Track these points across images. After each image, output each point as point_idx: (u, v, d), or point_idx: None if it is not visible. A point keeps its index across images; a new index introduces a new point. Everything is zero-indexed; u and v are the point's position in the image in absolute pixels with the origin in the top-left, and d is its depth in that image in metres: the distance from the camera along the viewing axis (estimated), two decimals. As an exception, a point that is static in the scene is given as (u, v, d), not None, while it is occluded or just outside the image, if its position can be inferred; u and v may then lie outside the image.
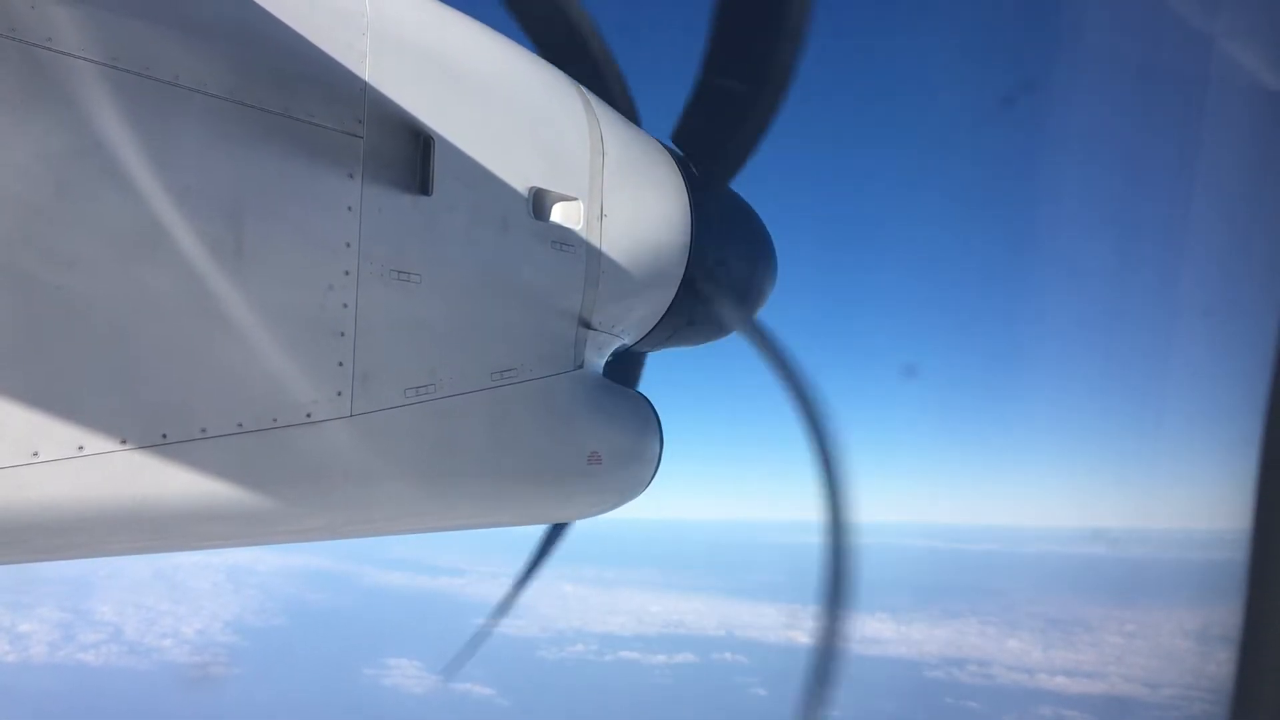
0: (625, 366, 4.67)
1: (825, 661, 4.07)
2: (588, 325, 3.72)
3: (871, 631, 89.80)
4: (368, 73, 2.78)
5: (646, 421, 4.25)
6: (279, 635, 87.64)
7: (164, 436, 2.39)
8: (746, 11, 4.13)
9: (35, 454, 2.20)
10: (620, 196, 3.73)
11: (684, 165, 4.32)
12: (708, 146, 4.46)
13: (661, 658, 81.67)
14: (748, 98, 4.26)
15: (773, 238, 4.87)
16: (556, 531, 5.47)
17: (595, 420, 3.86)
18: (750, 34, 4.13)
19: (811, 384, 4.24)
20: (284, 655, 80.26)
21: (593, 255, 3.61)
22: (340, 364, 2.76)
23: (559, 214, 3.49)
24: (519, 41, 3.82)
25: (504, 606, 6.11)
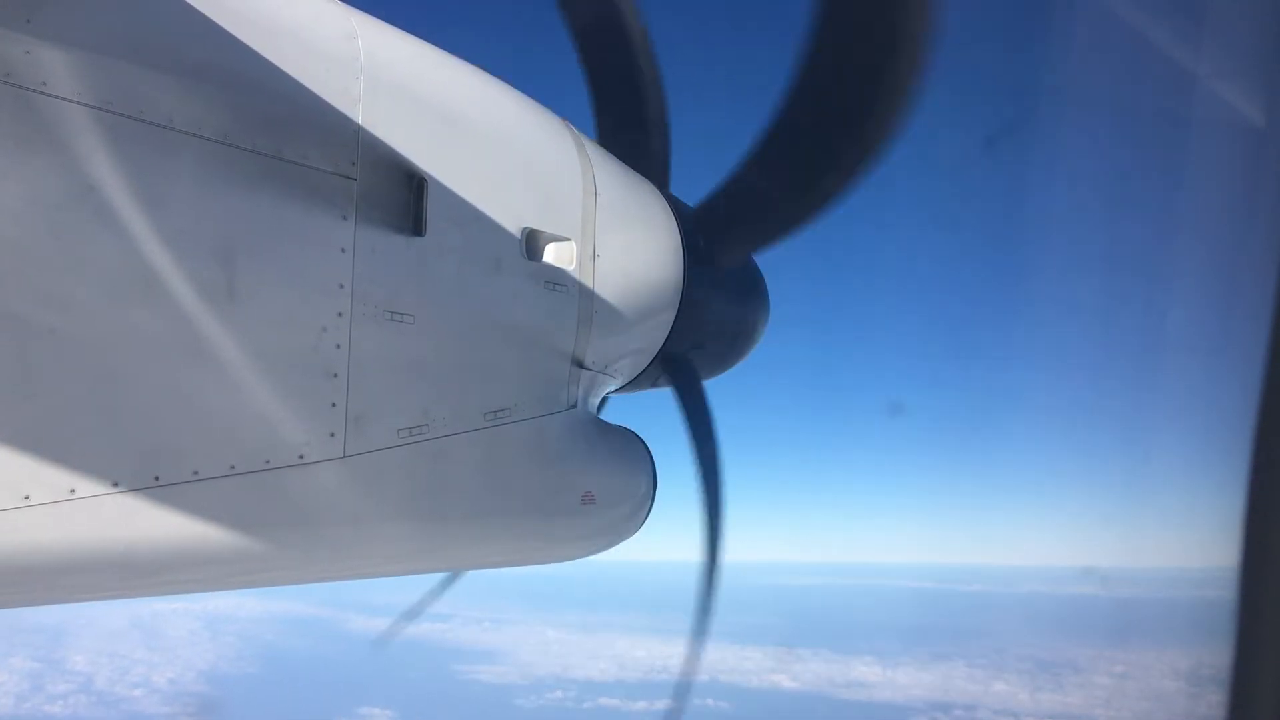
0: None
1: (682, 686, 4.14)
2: (581, 365, 3.72)
3: (858, 675, 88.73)
4: (361, 116, 2.82)
5: (640, 461, 4.24)
6: (251, 684, 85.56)
7: (156, 479, 2.37)
8: (813, 127, 3.75)
9: (27, 497, 2.17)
10: (613, 236, 3.76)
11: (675, 205, 4.36)
12: (725, 231, 4.37)
13: (642, 704, 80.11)
14: (783, 204, 4.05)
15: (764, 275, 4.91)
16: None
17: (589, 460, 3.85)
18: (811, 152, 3.81)
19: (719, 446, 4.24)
20: (254, 705, 78.30)
21: (585, 295, 3.63)
22: (333, 405, 2.75)
23: (552, 254, 3.52)
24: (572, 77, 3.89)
25: (423, 605, 6.08)
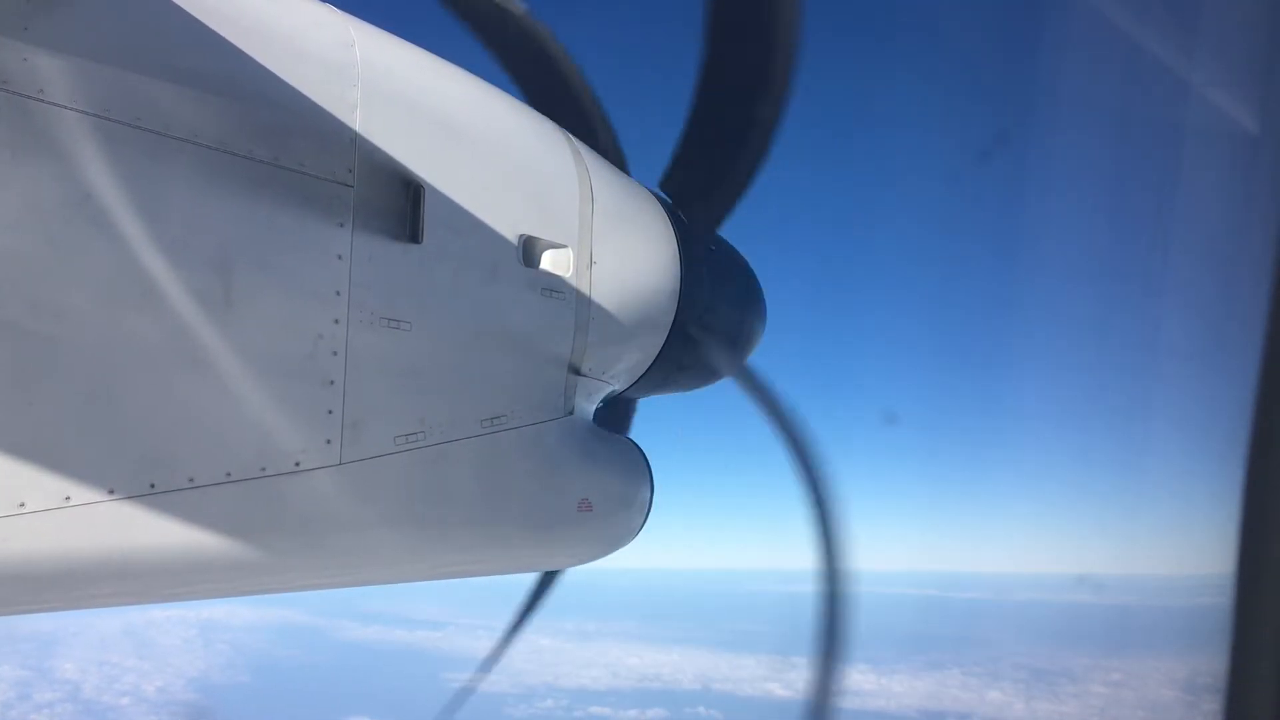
0: (616, 413, 4.67)
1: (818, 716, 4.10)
2: (577, 371, 3.73)
3: (852, 683, 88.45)
4: (358, 123, 2.82)
5: (637, 468, 4.25)
6: (241, 694, 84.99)
7: (152, 486, 2.36)
8: (733, 63, 4.19)
9: (22, 505, 2.17)
10: (609, 243, 3.77)
11: (672, 212, 4.39)
12: (695, 194, 4.54)
13: (633, 713, 79.81)
14: (734, 148, 4.34)
15: (760, 283, 4.94)
16: (547, 580, 5.41)
17: (585, 467, 3.85)
18: (737, 85, 4.20)
19: (805, 428, 4.28)
20: (244, 714, 77.78)
21: (582, 302, 3.64)
22: (330, 412, 2.75)
23: (548, 261, 3.52)
24: (509, 92, 3.90)
25: (491, 660, 6.03)
